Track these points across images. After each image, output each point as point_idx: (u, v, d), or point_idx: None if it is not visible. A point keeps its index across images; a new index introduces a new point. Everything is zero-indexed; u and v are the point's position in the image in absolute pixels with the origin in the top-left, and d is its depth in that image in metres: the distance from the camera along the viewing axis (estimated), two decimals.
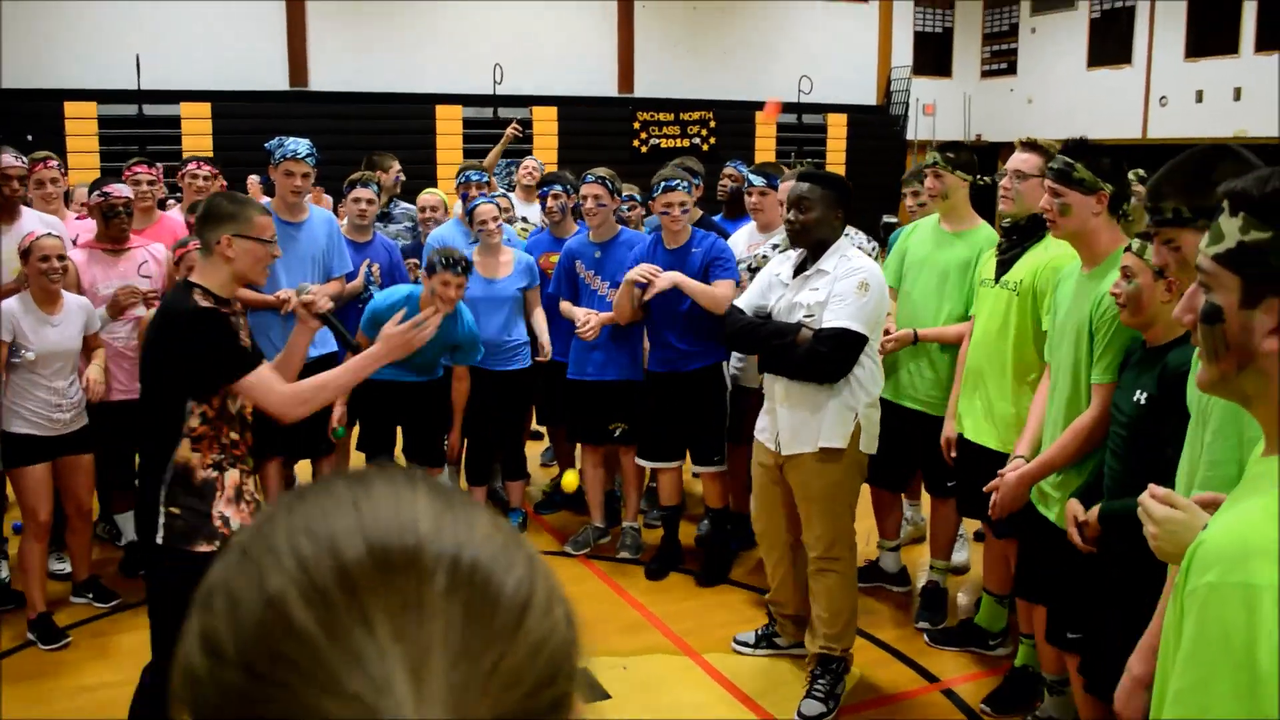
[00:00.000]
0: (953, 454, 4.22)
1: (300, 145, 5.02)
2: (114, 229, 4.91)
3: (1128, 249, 2.93)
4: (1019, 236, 3.92)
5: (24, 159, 4.92)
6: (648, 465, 5.25)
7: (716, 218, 6.25)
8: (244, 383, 3.01)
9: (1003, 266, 3.94)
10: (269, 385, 3.05)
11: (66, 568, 4.95)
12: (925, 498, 5.10)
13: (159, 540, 3.01)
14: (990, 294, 3.96)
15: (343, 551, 0.56)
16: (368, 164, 7.13)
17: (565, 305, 5.33)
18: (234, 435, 3.11)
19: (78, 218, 5.47)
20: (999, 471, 3.54)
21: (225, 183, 6.46)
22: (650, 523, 5.76)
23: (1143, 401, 2.81)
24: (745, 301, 4.06)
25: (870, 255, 4.44)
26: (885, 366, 4.65)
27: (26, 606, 4.53)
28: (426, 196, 6.41)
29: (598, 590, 5.08)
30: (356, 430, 5.43)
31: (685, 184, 4.91)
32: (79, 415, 4.55)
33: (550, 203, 5.78)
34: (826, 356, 3.67)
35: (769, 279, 4.03)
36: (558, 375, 5.46)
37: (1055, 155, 3.87)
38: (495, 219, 5.39)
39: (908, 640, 4.56)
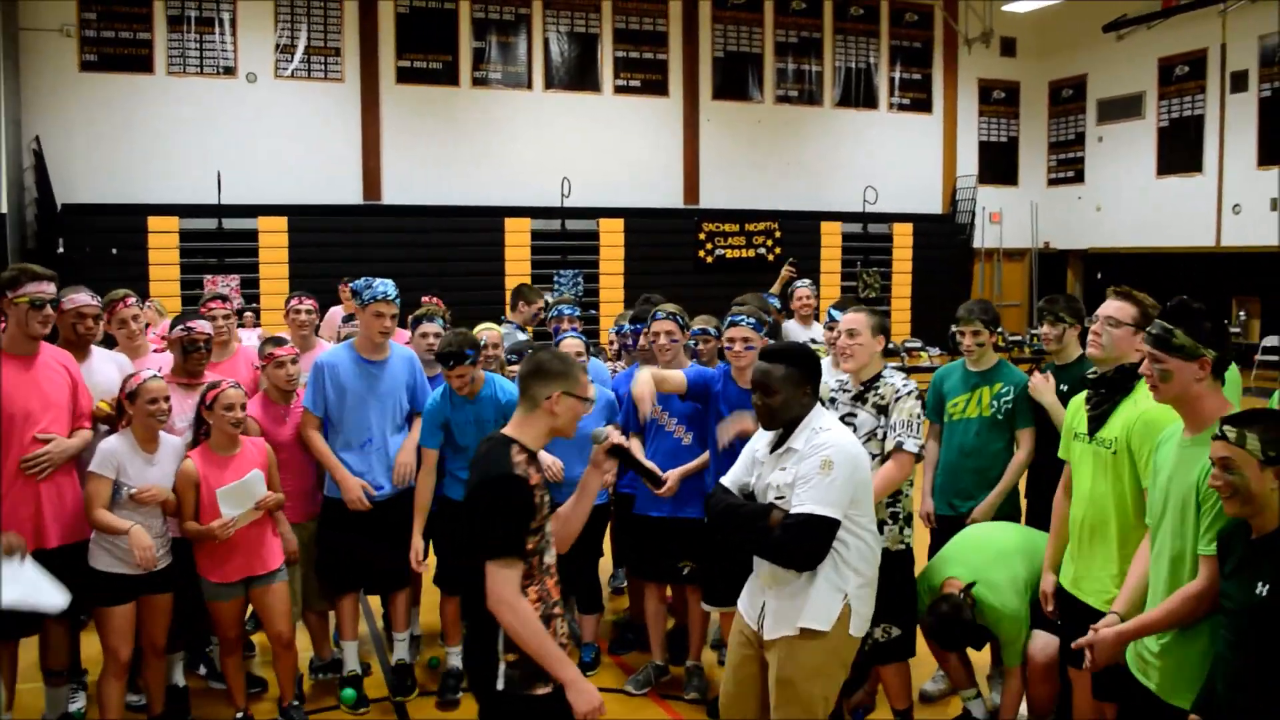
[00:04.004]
0: (1049, 607, 4.04)
1: (389, 287, 5.05)
2: (192, 363, 4.97)
3: (1220, 436, 2.80)
4: (1108, 390, 3.79)
5: (99, 299, 4.99)
6: (711, 610, 5.11)
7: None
8: (493, 565, 2.96)
9: (1095, 422, 3.80)
10: (507, 584, 2.96)
11: (141, 699, 4.92)
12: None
13: (499, 688, 3.02)
14: (1089, 452, 3.82)
15: None
16: (516, 294, 7.16)
17: (635, 445, 5.22)
18: (550, 585, 3.12)
19: (156, 350, 5.52)
20: (1092, 626, 3.38)
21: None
22: (723, 661, 5.58)
23: (1264, 594, 2.68)
24: (731, 479, 3.78)
25: (907, 393, 4.28)
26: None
27: None
28: (487, 334, 5.86)
29: None
30: (432, 563, 5.35)
31: (751, 321, 4.79)
32: (166, 554, 4.56)
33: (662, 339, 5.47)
34: (793, 546, 3.41)
35: (751, 455, 3.77)
36: (627, 508, 5.38)
37: (1148, 311, 3.77)
38: (579, 354, 5.31)
39: None
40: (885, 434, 4.30)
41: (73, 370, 4.55)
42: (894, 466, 4.24)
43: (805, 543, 3.38)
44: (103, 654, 4.54)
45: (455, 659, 5.32)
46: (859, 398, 4.37)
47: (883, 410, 4.31)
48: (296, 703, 4.95)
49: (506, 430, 3.16)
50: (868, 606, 3.57)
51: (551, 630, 3.06)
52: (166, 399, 4.49)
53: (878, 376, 4.39)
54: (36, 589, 4.07)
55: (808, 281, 7.83)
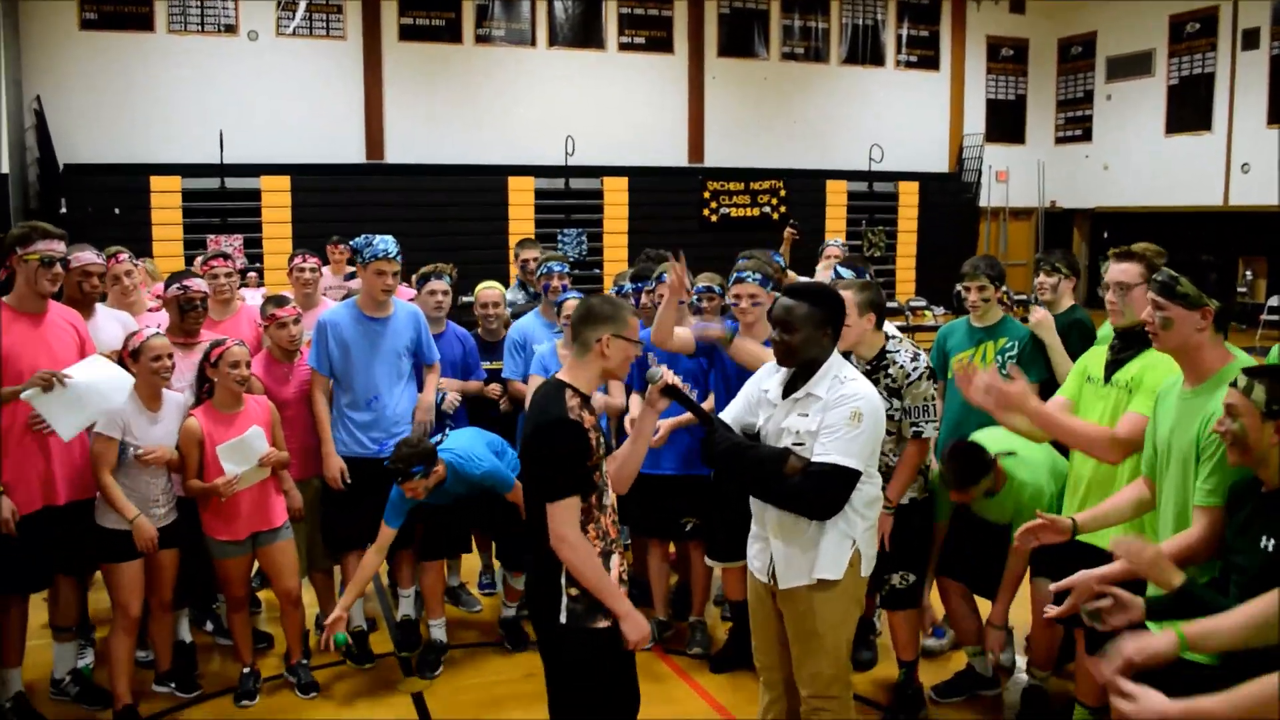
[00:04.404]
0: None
1: (389, 244, 5.04)
2: (189, 322, 4.98)
3: (1233, 384, 2.80)
4: (1132, 340, 3.79)
5: (104, 256, 4.98)
6: (715, 565, 5.13)
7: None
8: (556, 505, 3.08)
9: (1114, 366, 3.80)
10: (567, 524, 3.08)
11: (149, 655, 4.97)
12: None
13: (562, 620, 3.14)
14: (1101, 394, 3.81)
15: None
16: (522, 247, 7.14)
17: (635, 401, 5.21)
18: (608, 523, 3.21)
19: (151, 309, 5.51)
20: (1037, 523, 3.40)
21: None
22: (726, 616, 5.63)
23: (1270, 549, 2.67)
24: (730, 415, 3.70)
25: (918, 376, 4.27)
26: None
27: (114, 699, 4.56)
28: (487, 293, 6.03)
29: (675, 689, 4.95)
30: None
31: (757, 276, 4.71)
32: (170, 511, 4.60)
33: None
34: (816, 495, 3.37)
35: (757, 394, 3.70)
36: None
37: (1152, 260, 3.78)
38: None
39: None
40: (900, 417, 4.29)
41: (80, 329, 4.56)
42: (915, 450, 4.33)
43: (828, 491, 3.37)
44: (113, 610, 4.59)
45: (438, 631, 5.31)
46: (867, 376, 4.33)
47: (894, 393, 4.29)
48: (304, 660, 5.00)
49: (560, 375, 3.27)
50: (872, 547, 3.61)
51: (611, 566, 3.18)
52: (170, 356, 4.51)
53: (883, 354, 4.33)
54: (100, 399, 4.27)
55: (839, 240, 7.86)
